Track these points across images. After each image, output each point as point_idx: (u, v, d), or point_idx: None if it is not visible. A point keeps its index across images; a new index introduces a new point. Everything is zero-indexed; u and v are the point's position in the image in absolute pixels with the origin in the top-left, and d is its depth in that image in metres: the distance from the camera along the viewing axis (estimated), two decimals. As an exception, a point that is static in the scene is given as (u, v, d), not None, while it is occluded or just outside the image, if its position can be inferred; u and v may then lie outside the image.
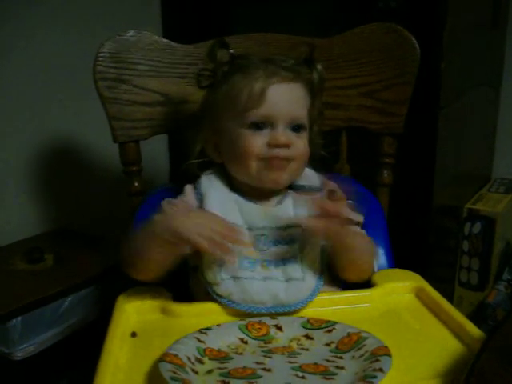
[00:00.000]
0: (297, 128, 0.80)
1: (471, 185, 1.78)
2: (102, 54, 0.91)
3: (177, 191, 0.88)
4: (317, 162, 0.86)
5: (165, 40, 0.96)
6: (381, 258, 0.89)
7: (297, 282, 0.76)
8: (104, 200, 1.55)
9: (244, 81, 0.78)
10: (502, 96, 1.87)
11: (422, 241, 1.41)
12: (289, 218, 0.81)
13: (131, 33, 0.94)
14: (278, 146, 0.77)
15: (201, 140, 0.84)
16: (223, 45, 0.82)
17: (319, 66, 0.84)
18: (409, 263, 0.88)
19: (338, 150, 1.04)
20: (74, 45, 1.46)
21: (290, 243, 0.79)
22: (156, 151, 1.71)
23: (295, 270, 0.77)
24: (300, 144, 0.80)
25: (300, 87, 0.80)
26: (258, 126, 0.78)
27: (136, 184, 0.97)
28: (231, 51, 0.83)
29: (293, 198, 0.83)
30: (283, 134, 0.78)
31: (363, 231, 0.85)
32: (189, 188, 0.84)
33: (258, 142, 0.78)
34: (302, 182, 0.85)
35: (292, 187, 0.84)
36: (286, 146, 0.78)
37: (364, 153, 0.99)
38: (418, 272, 0.85)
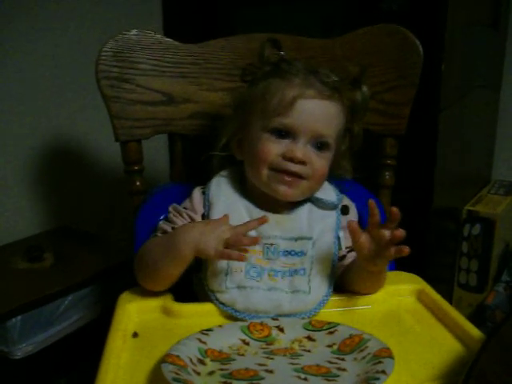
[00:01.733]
0: (320, 146, 0.77)
1: (471, 186, 1.78)
2: (104, 53, 0.91)
3: (178, 190, 0.88)
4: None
5: (168, 39, 0.96)
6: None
7: (302, 295, 0.75)
8: (105, 199, 1.55)
9: (280, 85, 0.76)
10: (501, 98, 1.88)
11: (421, 242, 1.41)
12: (301, 229, 0.79)
13: (134, 31, 0.93)
14: (292, 160, 0.75)
15: (227, 132, 0.83)
16: (275, 45, 0.81)
17: (365, 88, 0.80)
18: (408, 264, 0.87)
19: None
20: (75, 43, 1.46)
21: (300, 255, 0.78)
22: (156, 151, 1.71)
23: (302, 282, 0.76)
24: (318, 163, 0.77)
25: (335, 106, 0.77)
26: (279, 133, 0.76)
27: (138, 183, 0.97)
28: (282, 53, 0.81)
29: (308, 209, 0.81)
30: (301, 150, 0.75)
31: None
32: (197, 193, 0.83)
33: (273, 149, 0.76)
34: (319, 194, 0.82)
35: (309, 198, 0.82)
36: (302, 162, 0.76)
37: (366, 154, 0.99)
38: (416, 273, 0.85)
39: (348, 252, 0.82)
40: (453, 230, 1.64)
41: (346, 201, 0.86)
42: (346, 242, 0.82)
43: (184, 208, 0.82)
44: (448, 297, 1.63)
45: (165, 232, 0.80)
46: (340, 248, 0.81)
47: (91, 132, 1.52)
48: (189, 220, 0.81)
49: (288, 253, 0.78)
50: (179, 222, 0.80)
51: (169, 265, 0.74)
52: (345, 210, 0.85)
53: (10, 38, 1.34)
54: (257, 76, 0.81)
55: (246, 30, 0.98)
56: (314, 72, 0.77)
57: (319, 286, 0.76)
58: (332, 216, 0.82)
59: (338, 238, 0.81)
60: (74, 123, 1.50)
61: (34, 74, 1.40)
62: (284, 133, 0.76)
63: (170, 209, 0.83)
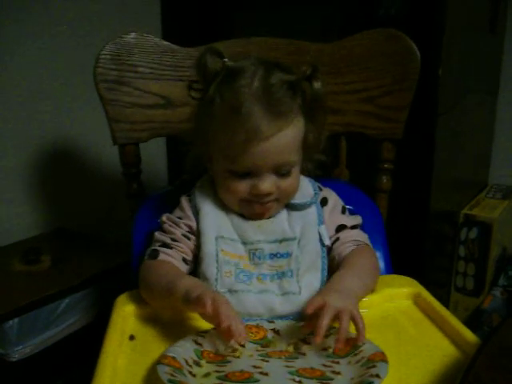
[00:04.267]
0: (284, 174, 0.76)
1: (468, 190, 1.79)
2: (102, 56, 0.91)
3: (175, 195, 0.88)
4: (316, 168, 0.85)
5: (166, 43, 0.96)
6: (379, 263, 0.89)
7: (293, 296, 0.75)
8: (103, 201, 1.55)
9: (236, 123, 0.71)
10: (499, 102, 1.88)
11: (418, 246, 1.41)
12: (283, 231, 0.79)
13: (132, 35, 0.94)
14: (259, 196, 0.75)
15: (201, 153, 0.81)
16: (215, 53, 0.76)
17: (316, 85, 0.75)
18: (405, 268, 0.88)
19: (337, 155, 1.04)
20: (73, 46, 1.47)
21: (286, 256, 0.78)
22: (154, 154, 1.71)
23: (291, 283, 0.76)
24: (285, 184, 0.77)
25: (292, 128, 0.73)
26: (240, 174, 0.75)
27: (135, 186, 0.97)
28: (225, 60, 0.76)
29: (287, 212, 0.81)
30: (265, 185, 0.74)
31: (365, 236, 0.85)
32: (184, 201, 0.83)
33: (239, 188, 0.75)
34: (294, 199, 0.81)
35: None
36: (269, 194, 0.76)
37: (363, 158, 1.00)
38: (414, 277, 0.85)
39: (332, 243, 0.82)
40: (450, 234, 1.64)
41: (326, 192, 0.85)
42: (329, 232, 0.82)
43: (178, 218, 0.82)
44: (445, 300, 1.63)
45: (164, 243, 0.80)
46: (323, 243, 0.80)
47: (89, 134, 1.52)
48: (187, 229, 0.81)
49: (274, 255, 0.78)
50: (177, 232, 0.80)
51: (166, 302, 0.74)
52: (324, 202, 0.84)
53: (9, 41, 1.34)
54: (209, 94, 0.75)
55: (245, 33, 0.98)
56: (267, 93, 0.71)
57: (309, 284, 0.76)
58: (312, 212, 0.82)
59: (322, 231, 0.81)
60: (71, 125, 1.50)
61: (32, 77, 1.40)
62: (243, 173, 0.75)
63: (164, 219, 0.83)
